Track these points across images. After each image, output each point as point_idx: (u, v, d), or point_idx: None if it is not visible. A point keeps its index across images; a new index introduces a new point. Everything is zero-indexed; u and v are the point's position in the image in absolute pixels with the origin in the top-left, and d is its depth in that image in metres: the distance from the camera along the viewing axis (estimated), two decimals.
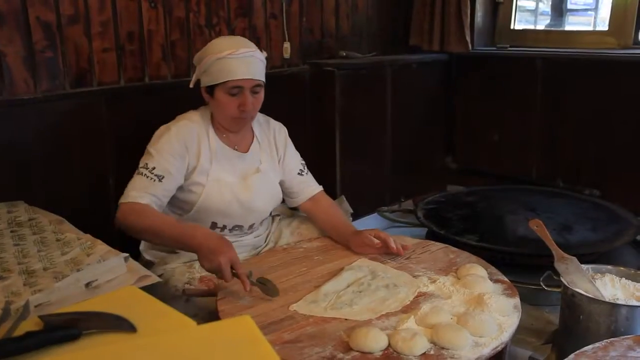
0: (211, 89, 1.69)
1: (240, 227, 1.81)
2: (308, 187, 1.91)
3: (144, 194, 1.63)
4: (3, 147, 1.82)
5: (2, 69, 1.81)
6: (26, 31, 1.83)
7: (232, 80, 1.64)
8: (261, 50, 1.74)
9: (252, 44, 1.72)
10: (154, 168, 1.66)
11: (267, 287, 1.49)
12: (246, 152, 1.80)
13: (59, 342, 0.96)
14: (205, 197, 1.71)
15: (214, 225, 1.77)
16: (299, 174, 1.90)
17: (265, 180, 1.81)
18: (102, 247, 1.34)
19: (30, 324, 1.02)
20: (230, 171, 1.76)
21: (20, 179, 1.85)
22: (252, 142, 1.83)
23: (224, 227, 1.78)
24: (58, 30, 1.90)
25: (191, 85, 1.76)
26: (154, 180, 1.65)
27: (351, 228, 1.83)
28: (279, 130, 1.90)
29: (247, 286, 1.44)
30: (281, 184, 1.89)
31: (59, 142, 1.94)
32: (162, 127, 1.73)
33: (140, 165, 1.68)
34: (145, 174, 1.65)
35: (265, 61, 1.74)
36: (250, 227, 1.84)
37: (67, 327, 0.98)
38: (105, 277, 1.22)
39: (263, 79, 1.71)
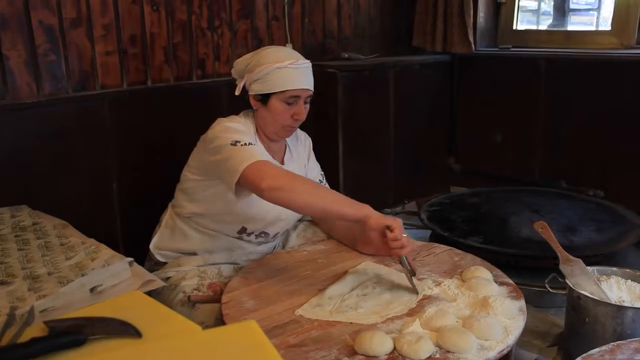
0: (265, 97, 1.68)
1: (266, 234, 1.80)
2: None
3: (264, 154, 1.57)
4: (6, 151, 1.82)
5: (5, 73, 1.81)
6: (29, 35, 1.84)
7: (293, 89, 1.66)
8: None
9: (303, 56, 1.73)
10: (251, 143, 1.58)
11: (410, 278, 1.51)
12: (282, 162, 1.80)
13: (64, 348, 0.96)
14: (247, 200, 1.66)
15: (243, 230, 1.74)
16: (319, 181, 1.91)
17: None
18: (106, 251, 1.34)
19: (36, 330, 1.02)
20: None
21: (23, 183, 1.85)
22: (285, 152, 1.84)
23: (252, 232, 1.76)
24: (60, 33, 1.90)
25: (237, 93, 1.74)
26: (262, 149, 1.62)
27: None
28: (305, 139, 1.93)
29: (404, 252, 1.48)
30: None
31: (62, 146, 1.94)
32: (224, 124, 1.66)
33: (234, 141, 1.56)
34: (246, 145, 1.56)
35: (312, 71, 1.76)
36: (275, 235, 1.84)
37: (72, 333, 0.98)
38: (110, 281, 1.22)
39: (313, 90, 1.73)
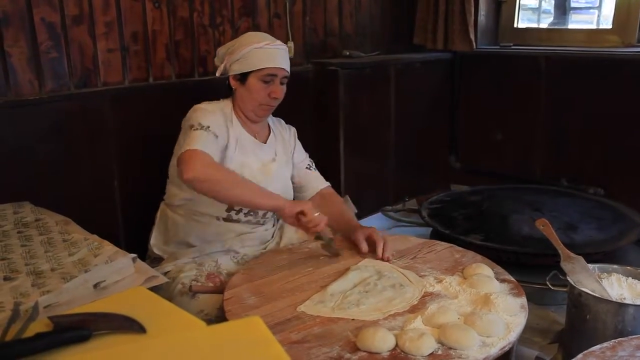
0: (244, 76, 1.77)
1: (255, 213, 1.83)
2: (316, 182, 1.98)
3: (206, 147, 1.62)
4: (9, 148, 1.82)
5: (7, 70, 1.81)
6: (31, 32, 1.84)
7: (269, 67, 1.75)
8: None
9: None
10: (208, 127, 1.68)
11: (330, 246, 1.67)
12: (265, 142, 1.88)
13: (69, 343, 0.96)
14: None
15: (230, 208, 1.78)
16: (307, 168, 1.99)
17: (280, 170, 1.90)
18: (109, 247, 1.34)
19: (40, 325, 1.02)
20: (252, 157, 1.82)
21: (25, 179, 1.86)
22: (269, 134, 1.92)
23: (240, 210, 1.80)
24: (63, 30, 1.90)
25: (218, 74, 1.85)
26: (212, 136, 1.67)
27: (354, 223, 1.87)
28: (289, 129, 2.01)
29: (320, 227, 1.62)
30: (291, 179, 1.96)
31: (64, 143, 1.94)
32: (196, 106, 1.77)
33: (192, 125, 1.68)
34: (201, 129, 1.66)
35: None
36: (264, 215, 1.86)
37: (77, 328, 0.98)
38: (113, 277, 1.22)
39: (290, 72, 1.82)
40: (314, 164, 2.02)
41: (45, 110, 1.89)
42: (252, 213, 1.82)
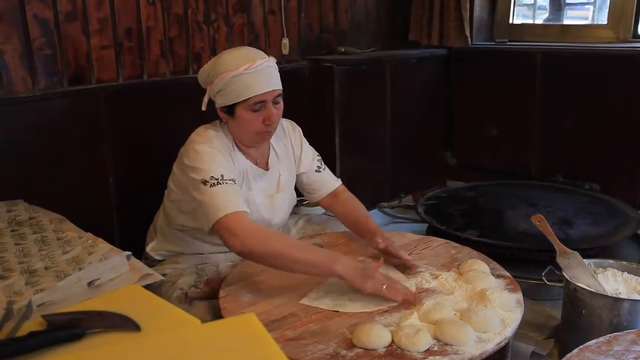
0: (230, 108, 1.59)
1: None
2: (327, 183, 1.86)
3: (237, 205, 1.48)
4: (2, 146, 1.81)
5: (0, 67, 1.80)
6: (24, 28, 1.82)
7: (255, 96, 1.55)
8: (265, 50, 1.70)
9: (263, 53, 1.62)
10: (222, 176, 1.51)
11: None
12: (266, 169, 1.73)
13: (62, 342, 0.95)
14: None
15: None
16: (317, 170, 1.84)
17: (286, 197, 1.78)
18: (103, 245, 1.33)
19: (34, 324, 1.01)
20: (257, 190, 1.70)
21: (19, 177, 1.84)
22: (269, 155, 1.76)
23: None
24: (56, 27, 1.89)
25: (203, 108, 1.64)
26: (232, 186, 1.51)
27: (369, 223, 1.76)
28: (292, 130, 1.84)
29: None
30: (299, 180, 1.85)
31: (57, 140, 1.93)
32: (195, 147, 1.57)
33: (205, 180, 1.50)
34: (219, 184, 1.50)
35: (277, 67, 1.64)
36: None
37: (70, 327, 0.98)
38: (107, 275, 1.21)
39: (281, 87, 1.62)
40: (322, 161, 1.87)
41: (39, 107, 1.88)
42: None
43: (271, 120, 1.59)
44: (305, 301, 1.44)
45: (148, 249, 1.80)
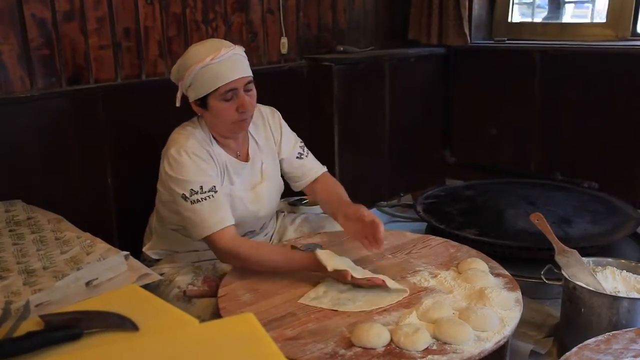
0: (202, 100, 1.59)
1: (252, 231, 1.79)
2: (310, 170, 1.83)
3: (222, 220, 1.53)
4: (0, 146, 1.80)
5: None
6: (22, 28, 1.82)
7: (224, 84, 1.55)
8: (242, 45, 1.68)
9: (229, 42, 1.63)
10: (201, 188, 1.54)
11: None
12: (247, 160, 1.73)
13: (60, 342, 0.95)
14: None
15: None
16: (298, 157, 1.82)
17: (271, 185, 1.78)
18: (101, 245, 1.33)
19: (31, 324, 1.01)
20: (239, 184, 1.70)
21: (17, 177, 1.84)
22: (249, 144, 1.76)
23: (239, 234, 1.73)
24: (54, 27, 1.89)
25: (178, 104, 1.65)
26: (212, 197, 1.54)
27: (347, 201, 1.76)
28: (272, 116, 1.82)
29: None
30: (281, 168, 1.83)
31: (56, 140, 1.93)
32: (172, 154, 1.58)
33: (184, 196, 1.53)
34: (200, 199, 1.53)
35: (246, 56, 1.64)
36: (262, 227, 1.83)
37: (68, 327, 0.97)
38: (105, 275, 1.21)
39: (251, 73, 1.62)
40: (304, 147, 1.85)
41: (37, 107, 1.88)
42: (249, 233, 1.77)
43: (244, 107, 1.59)
44: (303, 300, 1.44)
45: (145, 249, 1.80)
